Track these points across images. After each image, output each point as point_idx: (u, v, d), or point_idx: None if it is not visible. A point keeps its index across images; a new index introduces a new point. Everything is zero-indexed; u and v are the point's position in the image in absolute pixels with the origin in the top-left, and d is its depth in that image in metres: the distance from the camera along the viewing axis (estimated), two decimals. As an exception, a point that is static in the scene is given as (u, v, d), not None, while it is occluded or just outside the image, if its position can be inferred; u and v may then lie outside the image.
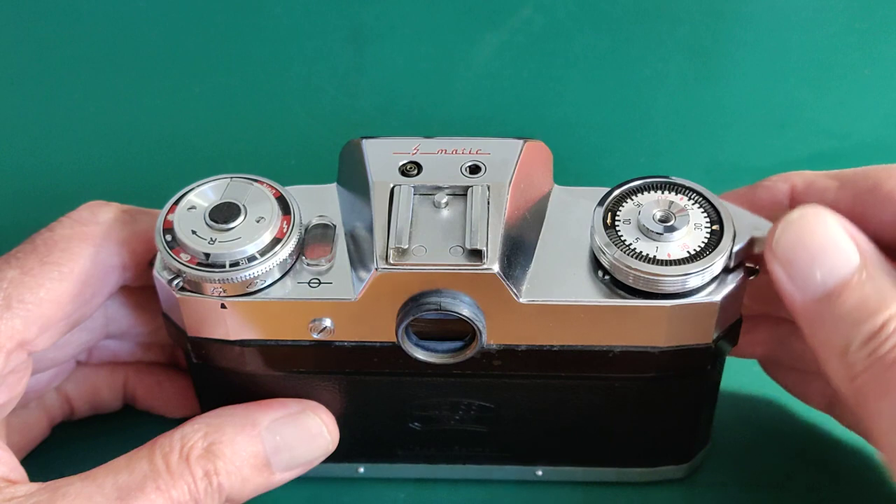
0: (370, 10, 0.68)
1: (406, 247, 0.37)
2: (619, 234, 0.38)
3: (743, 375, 0.49)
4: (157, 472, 0.37)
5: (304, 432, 0.41)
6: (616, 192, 0.39)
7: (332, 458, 0.42)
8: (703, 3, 0.69)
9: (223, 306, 0.38)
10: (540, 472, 0.46)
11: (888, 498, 0.46)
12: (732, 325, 0.40)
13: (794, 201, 0.41)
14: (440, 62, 0.66)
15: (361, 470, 0.46)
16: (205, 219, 0.38)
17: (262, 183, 0.40)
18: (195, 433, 0.39)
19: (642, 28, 0.68)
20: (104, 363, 0.47)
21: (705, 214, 0.38)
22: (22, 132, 0.64)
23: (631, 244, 0.38)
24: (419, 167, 0.39)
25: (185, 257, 0.38)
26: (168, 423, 0.47)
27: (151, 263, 0.40)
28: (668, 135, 0.62)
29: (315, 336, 0.39)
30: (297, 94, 0.65)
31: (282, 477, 0.40)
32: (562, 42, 0.67)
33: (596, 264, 0.38)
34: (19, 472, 0.39)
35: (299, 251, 0.39)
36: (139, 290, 0.44)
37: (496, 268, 0.37)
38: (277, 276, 0.38)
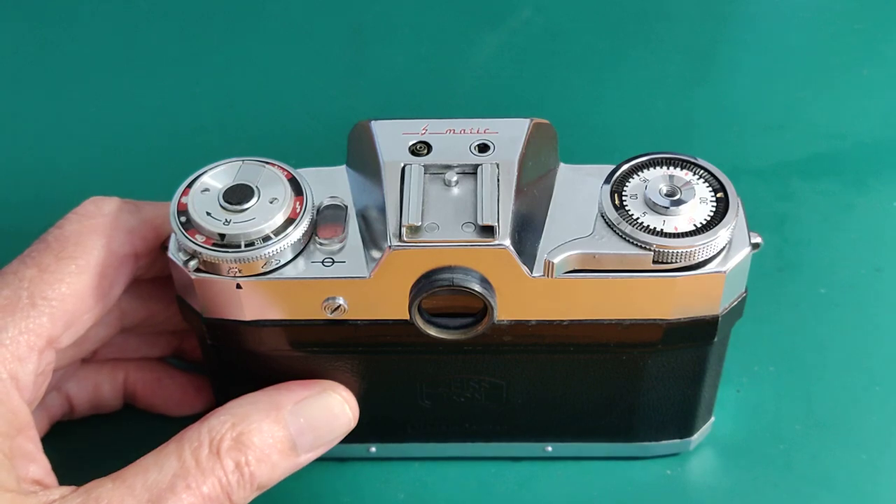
0: (370, 10, 0.69)
1: (419, 224, 0.38)
2: (627, 208, 0.39)
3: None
4: (187, 469, 0.37)
5: (326, 412, 0.41)
6: (622, 169, 0.40)
7: (346, 438, 0.42)
8: (702, 4, 0.70)
9: (238, 286, 0.39)
10: (549, 448, 0.46)
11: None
12: (739, 296, 0.41)
13: None
14: (440, 62, 0.67)
15: (373, 449, 0.46)
16: (219, 200, 0.39)
17: (273, 165, 0.41)
18: (222, 425, 0.39)
19: (641, 29, 0.69)
20: (106, 360, 0.47)
21: (710, 189, 0.39)
22: (22, 132, 0.64)
23: (638, 218, 0.38)
24: (429, 147, 0.40)
25: (200, 238, 0.38)
26: (168, 422, 0.47)
27: (165, 247, 0.40)
28: (667, 136, 0.62)
29: (329, 315, 0.39)
30: (297, 94, 0.65)
31: (306, 458, 0.40)
32: (561, 43, 0.68)
33: None
34: (52, 477, 0.39)
35: (312, 231, 0.39)
36: (149, 280, 0.44)
37: (507, 243, 0.37)
38: (291, 256, 0.39)
